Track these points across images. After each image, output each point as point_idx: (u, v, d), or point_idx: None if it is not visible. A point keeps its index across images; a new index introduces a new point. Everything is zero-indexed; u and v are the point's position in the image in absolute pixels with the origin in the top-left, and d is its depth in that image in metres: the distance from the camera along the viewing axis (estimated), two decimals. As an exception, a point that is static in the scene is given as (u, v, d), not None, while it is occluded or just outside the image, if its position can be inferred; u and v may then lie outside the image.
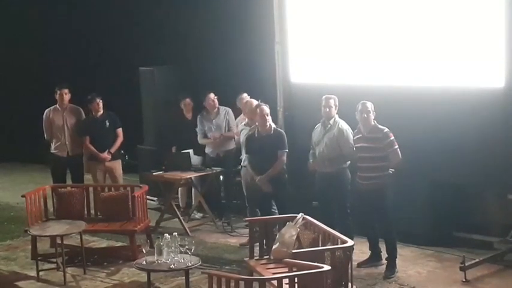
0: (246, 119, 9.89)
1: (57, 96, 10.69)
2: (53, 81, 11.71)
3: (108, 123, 10.66)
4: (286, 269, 7.01)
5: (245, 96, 10.30)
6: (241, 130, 9.89)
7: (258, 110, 9.13)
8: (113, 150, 10.67)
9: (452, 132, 8.96)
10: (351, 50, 9.99)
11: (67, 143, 10.69)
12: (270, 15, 10.74)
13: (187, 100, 11.04)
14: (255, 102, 9.65)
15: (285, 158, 9.06)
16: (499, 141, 8.78)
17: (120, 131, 10.74)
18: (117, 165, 10.82)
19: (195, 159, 10.71)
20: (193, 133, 10.87)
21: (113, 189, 9.90)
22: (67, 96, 10.68)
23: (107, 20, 13.55)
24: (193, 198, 11.04)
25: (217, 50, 11.91)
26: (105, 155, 10.61)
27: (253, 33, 11.15)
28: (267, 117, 9.08)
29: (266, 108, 9.12)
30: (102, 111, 10.66)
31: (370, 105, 8.47)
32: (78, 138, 10.73)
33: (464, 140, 8.91)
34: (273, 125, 9.23)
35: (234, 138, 10.61)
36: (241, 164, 9.88)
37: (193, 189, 10.95)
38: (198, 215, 11.03)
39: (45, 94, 11.19)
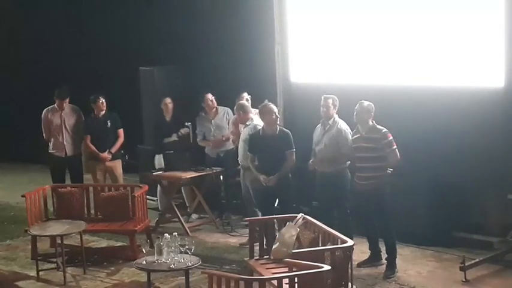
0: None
1: (56, 103, 10.70)
2: (53, 80, 11.74)
3: (109, 123, 10.67)
4: (286, 269, 7.00)
5: (245, 95, 10.31)
6: (244, 127, 9.90)
7: (266, 109, 9.13)
8: (113, 150, 10.68)
9: (452, 132, 8.98)
10: (351, 50, 9.99)
11: (65, 143, 10.69)
12: (270, 15, 10.75)
13: (167, 100, 11.01)
14: (242, 103, 9.82)
15: (294, 157, 9.08)
16: (499, 140, 8.79)
17: (121, 131, 10.75)
18: (118, 165, 10.83)
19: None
20: (171, 134, 10.91)
21: (113, 189, 9.90)
22: (66, 104, 10.68)
23: (107, 20, 13.54)
24: (185, 199, 11.04)
25: (217, 50, 11.91)
26: (105, 154, 10.62)
27: (253, 33, 11.16)
28: (275, 117, 9.13)
29: (275, 108, 9.15)
30: (104, 111, 10.67)
31: (366, 104, 8.46)
32: (77, 138, 10.74)
33: (464, 140, 8.92)
34: (279, 125, 9.29)
35: (229, 139, 10.60)
36: (240, 163, 9.88)
37: (182, 190, 10.96)
38: (194, 216, 10.97)
39: (45, 94, 11.19)
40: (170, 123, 11.02)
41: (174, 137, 10.92)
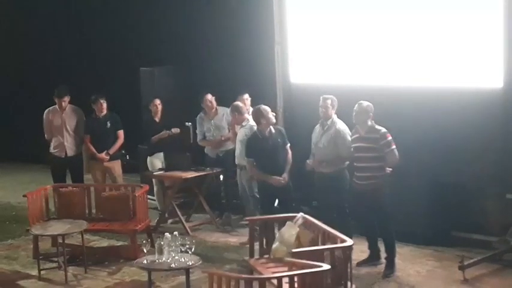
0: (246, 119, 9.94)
1: (56, 103, 10.72)
2: (53, 80, 11.74)
3: (109, 124, 10.67)
4: (286, 268, 7.03)
5: (245, 96, 10.33)
6: (240, 128, 9.93)
7: (261, 110, 9.14)
8: (111, 151, 10.67)
9: (452, 132, 9.00)
10: (351, 50, 10.01)
11: (65, 143, 10.71)
12: (270, 15, 10.77)
13: (157, 101, 11.02)
14: (236, 104, 9.87)
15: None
16: (499, 141, 8.82)
17: (121, 132, 10.75)
18: (116, 166, 10.83)
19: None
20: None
21: (113, 189, 9.93)
22: (65, 103, 10.70)
23: (107, 20, 13.56)
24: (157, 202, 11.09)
25: (217, 50, 11.93)
26: (103, 155, 10.62)
27: (253, 34, 11.17)
28: (273, 115, 9.18)
29: (267, 107, 9.19)
30: (105, 112, 10.69)
31: (365, 105, 8.49)
32: (77, 139, 10.77)
33: (463, 140, 8.95)
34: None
35: (229, 139, 10.62)
36: (236, 162, 9.91)
37: (155, 191, 11.00)
38: (170, 221, 10.84)
39: (45, 94, 11.21)
40: (159, 124, 11.03)
41: (162, 133, 10.93)
